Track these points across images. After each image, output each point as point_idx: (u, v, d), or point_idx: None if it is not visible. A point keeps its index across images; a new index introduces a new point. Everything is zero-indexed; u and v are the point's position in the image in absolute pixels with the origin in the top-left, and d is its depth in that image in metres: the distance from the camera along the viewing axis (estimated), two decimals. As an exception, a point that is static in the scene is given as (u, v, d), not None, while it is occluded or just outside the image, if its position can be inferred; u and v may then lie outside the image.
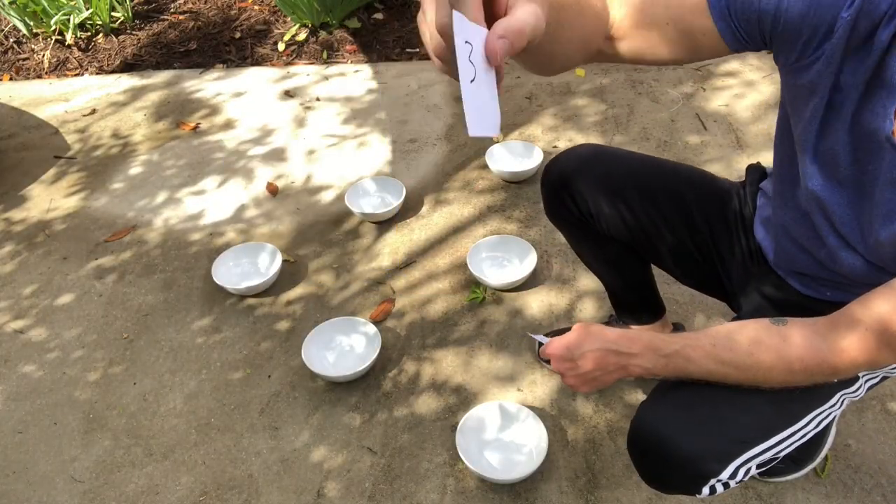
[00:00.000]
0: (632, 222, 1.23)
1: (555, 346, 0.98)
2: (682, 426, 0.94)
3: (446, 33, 0.48)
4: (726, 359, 0.90)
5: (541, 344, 1.09)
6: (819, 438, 1.30)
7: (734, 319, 1.06)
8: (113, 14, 3.35)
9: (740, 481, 0.97)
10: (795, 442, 0.99)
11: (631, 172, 1.23)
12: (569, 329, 1.03)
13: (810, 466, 1.31)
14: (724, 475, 0.94)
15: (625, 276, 1.41)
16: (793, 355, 0.85)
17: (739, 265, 1.18)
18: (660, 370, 0.94)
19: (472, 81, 0.49)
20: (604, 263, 1.40)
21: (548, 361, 1.33)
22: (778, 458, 0.99)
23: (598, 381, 0.99)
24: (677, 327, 1.58)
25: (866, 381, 1.03)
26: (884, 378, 1.05)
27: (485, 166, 2.22)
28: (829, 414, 1.01)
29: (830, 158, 0.85)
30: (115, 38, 3.30)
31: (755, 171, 1.18)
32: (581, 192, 1.24)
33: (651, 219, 1.21)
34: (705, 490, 0.96)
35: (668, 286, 1.74)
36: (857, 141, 0.81)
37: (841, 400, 1.01)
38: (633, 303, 1.49)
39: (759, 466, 0.98)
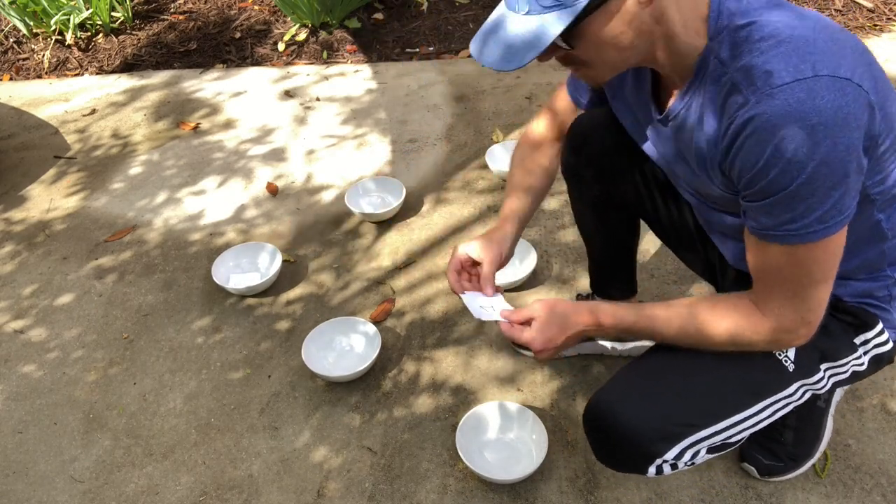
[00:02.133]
0: (642, 189, 1.28)
1: (538, 343, 1.03)
2: (630, 406, 1.01)
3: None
4: (675, 325, 0.99)
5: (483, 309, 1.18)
6: (815, 434, 1.30)
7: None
8: (113, 14, 3.35)
9: (690, 463, 1.01)
10: (748, 429, 1.02)
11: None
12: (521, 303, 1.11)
13: (809, 464, 1.31)
14: (670, 455, 0.99)
15: (616, 246, 1.45)
16: (735, 315, 0.95)
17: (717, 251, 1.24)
18: (624, 335, 1.06)
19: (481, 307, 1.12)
20: (600, 226, 1.43)
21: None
22: (731, 443, 1.02)
23: (567, 348, 1.08)
24: None
25: (830, 377, 1.05)
26: (854, 374, 1.06)
27: (485, 166, 2.22)
28: (787, 403, 1.03)
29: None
30: (115, 38, 3.30)
31: None
32: (598, 151, 1.27)
33: (663, 195, 1.27)
34: (651, 469, 1.01)
35: (666, 286, 1.74)
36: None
37: (802, 391, 1.04)
38: (611, 275, 1.52)
39: (711, 450, 1.02)
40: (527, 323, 1.05)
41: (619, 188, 1.30)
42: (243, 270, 1.90)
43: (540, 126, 1.33)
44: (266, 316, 1.79)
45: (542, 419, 1.40)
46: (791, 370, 1.01)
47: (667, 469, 1.01)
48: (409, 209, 2.10)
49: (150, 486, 1.43)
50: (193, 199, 2.26)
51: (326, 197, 2.21)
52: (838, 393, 1.31)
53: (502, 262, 1.21)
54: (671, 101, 0.94)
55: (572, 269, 1.83)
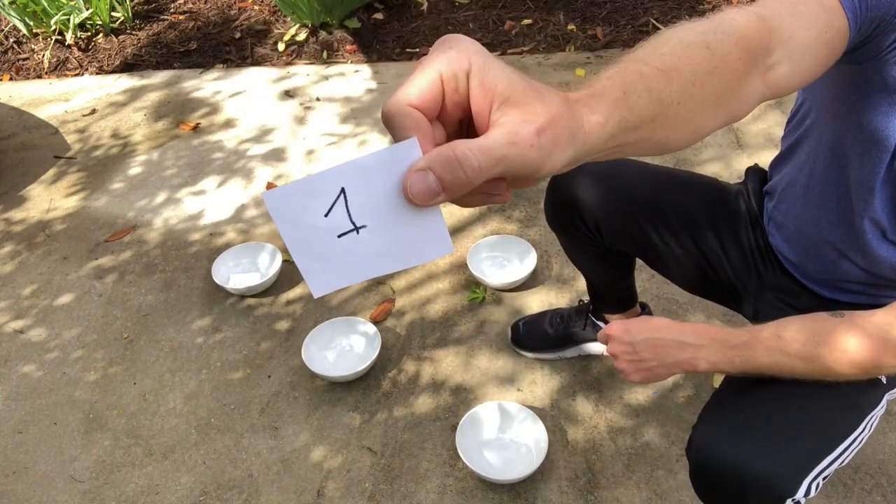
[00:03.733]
0: (640, 238, 1.22)
1: (615, 326, 0.96)
2: (749, 447, 0.89)
3: (387, 118, 0.42)
4: (793, 350, 0.87)
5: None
6: None
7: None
8: (113, 14, 3.35)
9: (809, 497, 0.92)
10: (855, 448, 0.96)
11: (638, 189, 1.22)
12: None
13: None
14: (800, 493, 0.89)
15: (613, 276, 1.42)
16: (855, 347, 0.84)
17: (752, 272, 1.17)
18: (726, 364, 0.91)
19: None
20: (596, 264, 1.40)
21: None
22: (841, 466, 0.96)
23: (653, 373, 0.97)
24: (644, 308, 1.58)
25: None
26: None
27: (485, 166, 2.21)
28: (877, 416, 0.99)
29: None
30: (115, 38, 3.30)
31: (755, 174, 1.17)
32: (589, 211, 1.23)
33: (660, 234, 1.20)
34: None
35: (667, 285, 1.74)
36: None
37: (885, 401, 1.00)
38: (613, 298, 1.50)
39: (825, 479, 0.94)
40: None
41: (617, 240, 1.25)
42: (243, 270, 1.90)
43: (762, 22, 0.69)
44: (266, 316, 1.79)
45: (542, 419, 1.40)
46: (884, 382, 0.97)
47: None
48: (409, 209, 2.10)
49: (150, 486, 1.43)
50: (193, 199, 2.26)
51: (326, 197, 2.21)
52: None
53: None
54: None
55: (572, 269, 1.83)
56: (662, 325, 0.95)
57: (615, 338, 0.98)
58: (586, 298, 1.73)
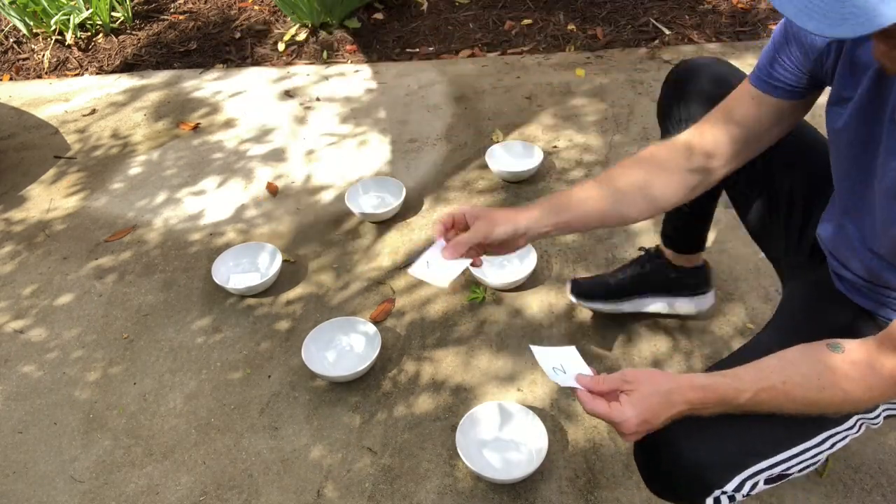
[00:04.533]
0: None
1: (632, 424, 0.89)
2: (690, 434, 0.93)
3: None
4: (798, 396, 0.88)
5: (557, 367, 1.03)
6: None
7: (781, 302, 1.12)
8: (113, 14, 3.35)
9: (747, 495, 0.95)
10: (807, 461, 0.97)
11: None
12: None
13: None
14: (730, 487, 0.93)
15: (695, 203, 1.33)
16: (862, 383, 0.85)
17: (797, 247, 1.20)
18: (730, 412, 0.92)
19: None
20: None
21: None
22: (788, 475, 0.97)
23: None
24: (706, 267, 1.59)
25: (884, 409, 1.01)
26: None
27: (485, 166, 2.22)
28: (845, 436, 1.00)
29: None
30: (115, 38, 3.30)
31: None
32: (692, 101, 1.25)
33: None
34: (709, 501, 0.94)
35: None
36: None
37: (859, 424, 1.00)
38: (684, 233, 1.51)
39: (767, 482, 0.97)
40: (612, 395, 0.91)
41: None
42: (243, 270, 1.90)
43: (681, 139, 1.10)
44: (266, 316, 1.79)
45: (542, 419, 1.40)
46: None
47: (724, 501, 0.95)
48: (408, 209, 2.10)
49: (150, 486, 1.43)
50: (193, 199, 2.26)
51: (326, 197, 2.21)
52: None
53: (491, 241, 1.05)
54: None
55: (572, 269, 1.83)
56: (669, 395, 0.90)
57: (632, 433, 0.92)
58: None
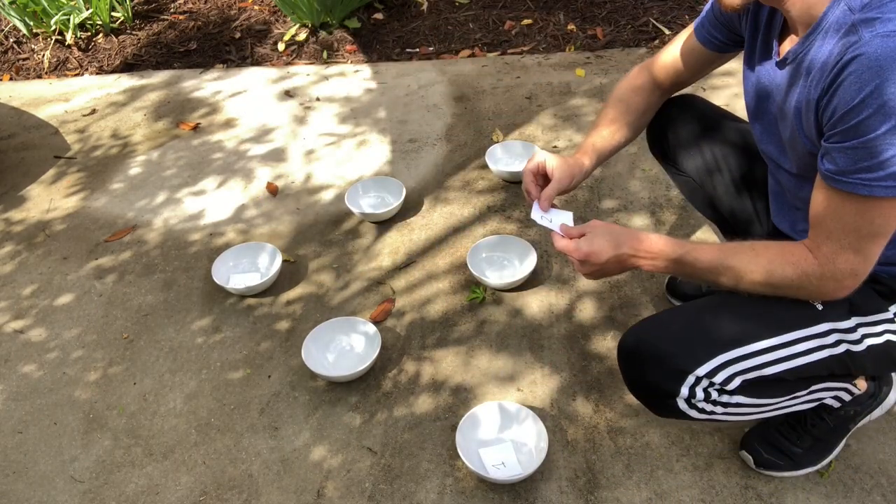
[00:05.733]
0: (712, 165, 1.39)
1: (582, 250, 1.09)
2: (664, 328, 1.07)
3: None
4: (734, 263, 1.01)
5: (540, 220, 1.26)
6: (828, 448, 1.30)
7: None
8: (113, 14, 3.35)
9: (724, 400, 1.03)
10: (782, 362, 1.03)
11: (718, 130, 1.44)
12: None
13: (810, 469, 1.31)
14: (702, 370, 1.01)
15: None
16: (793, 256, 0.97)
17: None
18: (667, 269, 1.09)
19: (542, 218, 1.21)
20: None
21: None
22: (766, 377, 1.03)
23: (608, 274, 1.14)
24: None
25: (864, 335, 1.05)
26: (889, 345, 1.06)
27: (485, 166, 2.22)
28: (821, 346, 1.04)
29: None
30: (115, 38, 3.30)
31: None
32: (678, 137, 1.41)
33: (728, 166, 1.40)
34: (684, 390, 1.02)
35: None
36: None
37: (834, 337, 1.04)
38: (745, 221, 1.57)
39: (745, 383, 1.03)
40: (581, 238, 1.11)
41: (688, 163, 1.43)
42: (243, 270, 1.90)
43: (646, 69, 1.35)
44: (266, 316, 1.79)
45: (542, 419, 1.40)
46: (819, 309, 1.03)
47: (700, 395, 1.03)
48: (409, 209, 2.10)
49: (150, 486, 1.43)
50: (193, 199, 2.26)
51: (326, 197, 2.21)
52: (866, 419, 1.31)
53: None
54: (791, 46, 0.98)
55: (572, 268, 1.83)
56: (623, 238, 1.09)
57: (584, 262, 1.10)
58: (586, 298, 1.74)
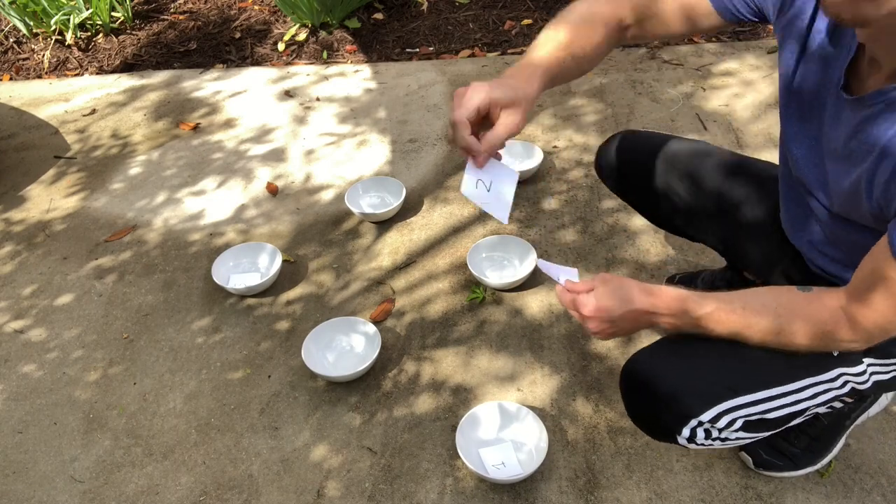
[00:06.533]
0: (679, 204, 1.31)
1: (590, 309, 0.99)
2: (671, 366, 0.99)
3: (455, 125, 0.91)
4: (754, 322, 0.92)
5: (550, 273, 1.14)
6: (826, 447, 1.30)
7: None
8: (113, 14, 3.35)
9: (723, 436, 0.99)
10: (788, 407, 1.00)
11: (678, 159, 1.32)
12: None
13: (807, 470, 1.31)
14: (706, 416, 0.97)
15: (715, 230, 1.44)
16: (820, 318, 0.89)
17: (766, 246, 1.24)
18: (689, 329, 0.97)
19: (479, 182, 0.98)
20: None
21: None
22: (769, 420, 1.00)
23: (624, 333, 1.04)
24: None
25: (872, 374, 1.02)
26: (894, 378, 1.04)
27: (485, 166, 2.21)
28: (828, 390, 1.01)
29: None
30: (115, 38, 3.30)
31: None
32: (636, 179, 1.33)
33: (699, 202, 1.30)
34: (685, 431, 0.98)
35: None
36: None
37: (843, 381, 1.01)
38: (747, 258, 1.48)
39: (747, 426, 0.99)
40: (588, 293, 1.01)
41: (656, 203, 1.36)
42: (243, 270, 1.90)
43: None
44: (266, 316, 1.79)
45: (542, 419, 1.40)
46: (834, 356, 0.99)
47: (700, 435, 0.99)
48: (409, 209, 2.10)
49: (150, 486, 1.43)
50: (193, 199, 2.26)
51: (326, 197, 2.21)
52: (863, 416, 1.31)
53: (519, 129, 0.94)
54: (877, 83, 0.83)
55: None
56: (634, 293, 0.98)
57: (594, 320, 1.00)
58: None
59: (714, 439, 1.01)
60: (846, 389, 1.03)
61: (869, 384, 1.03)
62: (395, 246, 1.98)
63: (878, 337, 0.88)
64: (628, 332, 1.02)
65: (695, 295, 0.96)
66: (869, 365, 1.02)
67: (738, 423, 0.99)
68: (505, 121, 0.91)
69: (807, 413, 1.05)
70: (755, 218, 1.26)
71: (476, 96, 0.89)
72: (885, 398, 1.31)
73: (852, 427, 1.32)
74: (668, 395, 0.98)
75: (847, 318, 0.87)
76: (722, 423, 0.98)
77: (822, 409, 1.14)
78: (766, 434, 1.05)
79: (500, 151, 0.97)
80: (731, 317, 0.93)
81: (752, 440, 1.07)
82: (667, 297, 0.97)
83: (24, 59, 3.26)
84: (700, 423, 0.98)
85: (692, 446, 1.03)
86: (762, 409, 0.99)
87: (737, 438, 1.02)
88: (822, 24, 0.91)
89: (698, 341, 1.00)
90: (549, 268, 1.11)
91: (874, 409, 1.30)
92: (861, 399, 1.27)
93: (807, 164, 0.99)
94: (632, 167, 1.37)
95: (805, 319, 0.90)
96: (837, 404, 1.18)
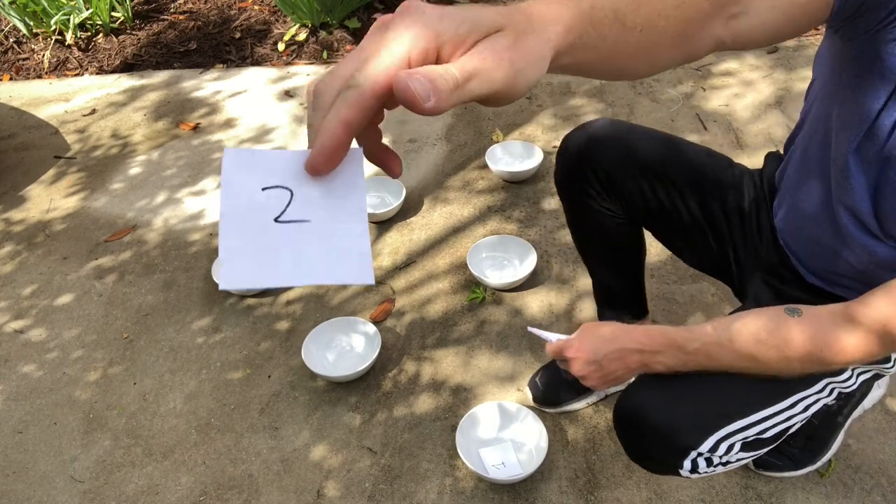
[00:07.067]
0: (649, 195, 1.22)
1: (573, 350, 1.00)
2: (661, 400, 0.97)
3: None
4: (746, 354, 0.90)
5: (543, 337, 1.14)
6: (824, 445, 1.30)
7: (739, 309, 1.06)
8: (113, 14, 3.35)
9: (725, 460, 0.98)
10: (782, 423, 1.00)
11: (651, 148, 1.22)
12: (567, 330, 1.03)
13: (807, 469, 1.31)
14: (704, 447, 0.95)
15: (620, 265, 1.40)
16: (806, 346, 0.86)
17: (751, 248, 1.18)
18: (681, 366, 0.95)
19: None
20: (602, 247, 1.37)
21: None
22: (766, 439, 1.00)
23: (619, 379, 1.00)
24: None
25: (858, 375, 1.03)
26: (876, 375, 1.05)
27: (485, 166, 2.22)
28: (817, 400, 1.01)
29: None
30: (115, 38, 3.30)
31: (774, 160, 1.17)
32: (602, 165, 1.22)
33: (668, 192, 1.21)
34: (686, 464, 0.97)
35: (667, 286, 1.74)
36: None
37: (830, 389, 1.02)
38: (619, 298, 1.46)
39: (746, 447, 0.99)
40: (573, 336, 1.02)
41: (627, 200, 1.24)
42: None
43: None
44: (266, 316, 1.79)
45: (542, 419, 1.40)
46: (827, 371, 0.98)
47: (702, 465, 0.98)
48: (409, 209, 2.10)
49: (150, 486, 1.43)
50: (193, 199, 2.26)
51: (326, 197, 2.20)
52: (858, 410, 1.31)
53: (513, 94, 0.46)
54: None
55: (572, 268, 1.83)
56: (618, 333, 0.98)
57: (578, 360, 1.00)
58: (586, 299, 1.74)
59: (717, 465, 1.00)
60: (833, 396, 1.04)
61: (855, 385, 1.04)
62: (395, 246, 1.98)
63: (846, 366, 0.86)
64: (620, 376, 1.00)
65: (682, 329, 0.94)
66: (853, 370, 1.02)
67: (737, 447, 0.98)
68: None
69: (801, 424, 1.05)
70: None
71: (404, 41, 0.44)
72: (878, 390, 1.31)
73: (849, 423, 1.31)
74: (664, 432, 0.96)
75: (824, 347, 0.84)
76: (721, 449, 0.97)
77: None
78: (766, 450, 1.04)
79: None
80: (722, 351, 0.91)
81: (755, 457, 1.06)
82: (653, 333, 0.95)
83: (24, 59, 3.26)
84: (700, 454, 0.97)
85: (695, 476, 1.01)
86: (757, 430, 0.99)
87: (738, 460, 1.02)
88: None
89: (690, 376, 0.98)
90: (541, 333, 1.13)
91: (867, 402, 1.30)
92: (848, 398, 1.27)
93: (859, 185, 0.86)
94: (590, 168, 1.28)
95: (797, 347, 0.87)
96: (824, 407, 1.18)
